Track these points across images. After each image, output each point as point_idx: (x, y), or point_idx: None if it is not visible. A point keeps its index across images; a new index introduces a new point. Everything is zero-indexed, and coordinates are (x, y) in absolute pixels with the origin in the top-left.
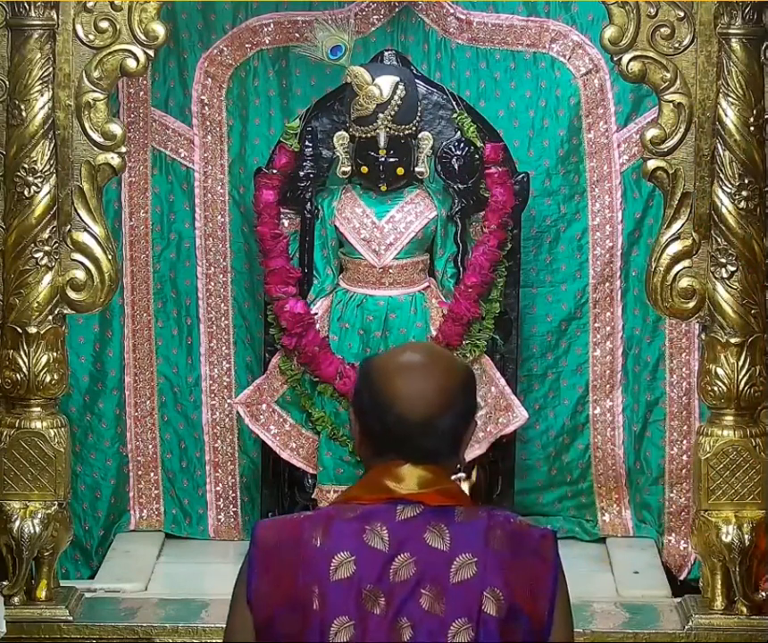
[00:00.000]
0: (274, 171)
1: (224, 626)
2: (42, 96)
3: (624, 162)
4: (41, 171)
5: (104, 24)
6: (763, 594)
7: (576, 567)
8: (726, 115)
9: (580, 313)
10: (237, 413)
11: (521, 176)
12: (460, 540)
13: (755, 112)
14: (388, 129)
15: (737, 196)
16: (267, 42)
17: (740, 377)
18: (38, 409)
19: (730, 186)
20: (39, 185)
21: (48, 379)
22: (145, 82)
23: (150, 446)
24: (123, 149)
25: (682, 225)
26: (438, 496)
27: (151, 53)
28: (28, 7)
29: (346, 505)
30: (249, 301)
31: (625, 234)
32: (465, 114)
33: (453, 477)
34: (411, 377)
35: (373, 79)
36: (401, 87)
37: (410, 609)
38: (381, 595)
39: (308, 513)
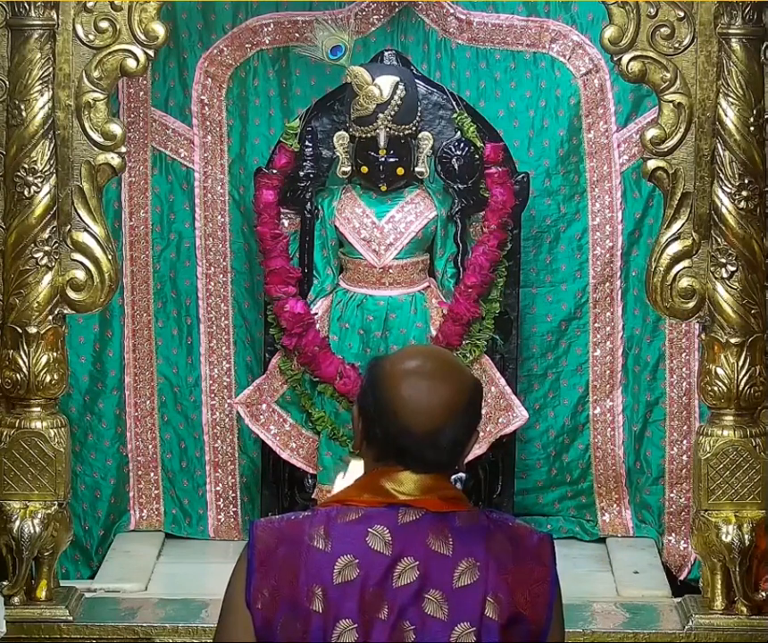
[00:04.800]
0: (274, 171)
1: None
2: (42, 96)
3: (624, 162)
4: (41, 171)
5: (104, 24)
6: (764, 594)
7: (576, 567)
8: (726, 115)
9: (580, 312)
10: (237, 413)
11: (521, 176)
12: (462, 545)
13: (755, 112)
14: (388, 129)
15: (737, 196)
16: (267, 42)
17: (740, 377)
18: (38, 409)
19: (730, 186)
20: (39, 185)
21: (48, 379)
22: (145, 82)
23: (150, 446)
24: (123, 149)
25: (682, 225)
26: (439, 501)
27: (151, 53)
28: (28, 7)
29: (345, 506)
30: (249, 301)
31: (625, 234)
32: (465, 114)
33: (453, 477)
34: (418, 388)
35: (373, 79)
36: (401, 87)
37: (413, 613)
38: (384, 598)
39: (307, 514)
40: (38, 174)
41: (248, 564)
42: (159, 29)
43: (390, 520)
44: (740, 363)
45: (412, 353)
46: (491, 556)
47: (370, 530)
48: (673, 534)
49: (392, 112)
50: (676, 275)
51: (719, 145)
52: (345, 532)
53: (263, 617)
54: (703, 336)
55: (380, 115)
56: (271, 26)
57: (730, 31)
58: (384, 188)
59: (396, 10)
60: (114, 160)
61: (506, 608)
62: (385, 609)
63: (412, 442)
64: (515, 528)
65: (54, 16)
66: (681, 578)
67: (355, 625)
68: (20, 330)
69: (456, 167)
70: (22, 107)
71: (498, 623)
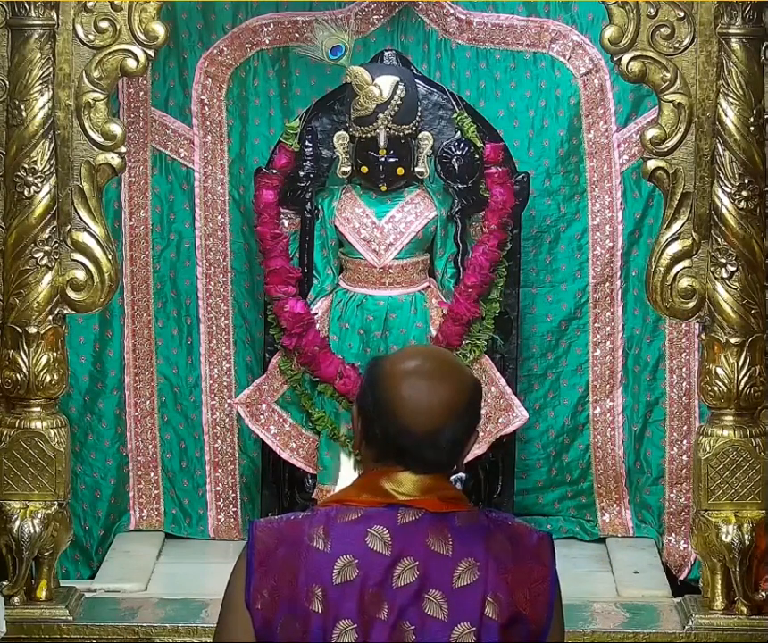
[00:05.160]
0: (274, 171)
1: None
2: (42, 96)
3: (624, 162)
4: (41, 171)
5: (104, 24)
6: (764, 594)
7: (576, 567)
8: (726, 115)
9: (580, 312)
10: (237, 413)
11: (521, 176)
12: (462, 545)
13: (755, 112)
14: (388, 129)
15: (737, 196)
16: (267, 42)
17: (740, 377)
18: (38, 409)
19: (730, 186)
20: (39, 185)
21: (48, 379)
22: (145, 82)
23: (150, 447)
24: (123, 149)
25: (682, 225)
26: (438, 501)
27: (151, 53)
28: (28, 7)
29: (344, 506)
30: (249, 301)
31: (625, 234)
32: (465, 114)
33: (452, 477)
34: (418, 388)
35: (373, 79)
36: (401, 87)
37: (412, 613)
38: (384, 598)
39: (306, 514)
40: (38, 174)
41: (248, 564)
42: (159, 29)
43: (390, 520)
44: (740, 363)
45: (412, 353)
46: (491, 556)
47: (369, 530)
48: (673, 534)
49: (392, 112)
50: (676, 275)
51: (719, 145)
52: (344, 532)
53: (263, 617)
54: (703, 336)
55: (380, 115)
56: (271, 26)
57: (730, 31)
58: (384, 188)
59: (396, 10)
60: (114, 160)
61: (506, 608)
62: (385, 609)
63: (411, 442)
64: (515, 527)
65: (54, 16)
66: (681, 578)
67: (355, 625)
68: (20, 330)
69: (456, 167)
70: (22, 107)
71: (498, 623)
